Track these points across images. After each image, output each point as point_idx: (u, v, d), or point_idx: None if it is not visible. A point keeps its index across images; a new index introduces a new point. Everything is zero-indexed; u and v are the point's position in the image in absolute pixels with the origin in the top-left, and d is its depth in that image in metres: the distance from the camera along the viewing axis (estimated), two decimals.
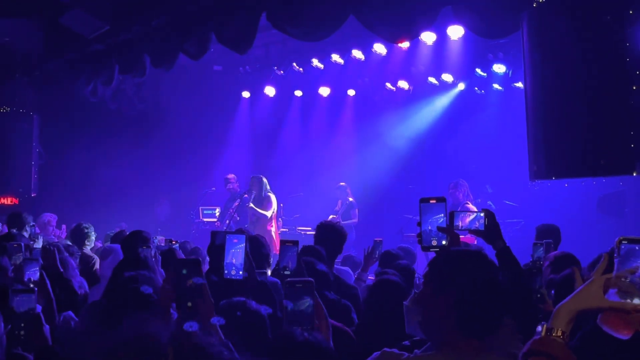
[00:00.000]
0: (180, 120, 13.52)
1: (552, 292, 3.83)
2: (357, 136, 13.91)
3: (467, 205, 9.41)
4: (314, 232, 5.46)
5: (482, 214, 3.04)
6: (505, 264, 2.93)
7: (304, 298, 2.48)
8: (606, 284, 1.71)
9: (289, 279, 2.57)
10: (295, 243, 3.40)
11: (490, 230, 3.03)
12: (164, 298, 2.54)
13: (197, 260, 2.48)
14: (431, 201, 2.95)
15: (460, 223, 3.03)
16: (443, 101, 12.81)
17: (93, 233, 7.08)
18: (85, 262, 6.29)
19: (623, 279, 1.69)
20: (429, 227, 2.92)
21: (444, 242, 2.89)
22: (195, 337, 1.57)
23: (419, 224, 2.95)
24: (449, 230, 2.92)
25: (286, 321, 2.43)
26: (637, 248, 1.72)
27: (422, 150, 12.95)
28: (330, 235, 5.11)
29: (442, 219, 2.92)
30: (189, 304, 2.36)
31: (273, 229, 10.59)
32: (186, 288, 2.39)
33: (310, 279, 2.59)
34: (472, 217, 3.05)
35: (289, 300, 2.47)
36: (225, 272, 3.15)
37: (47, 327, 2.84)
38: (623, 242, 1.74)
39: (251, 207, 10.34)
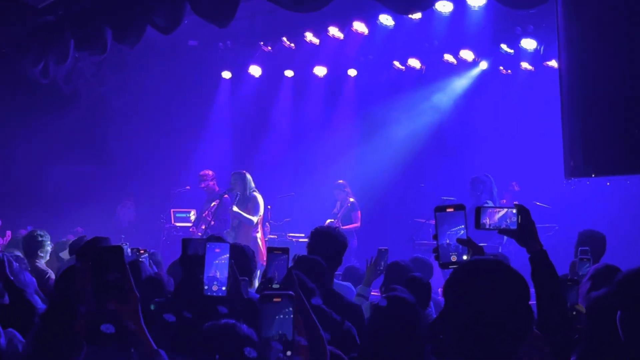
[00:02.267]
0: (149, 106, 13.51)
1: None
2: (359, 125, 13.94)
3: None
4: (307, 240, 5.45)
5: (514, 211, 3.01)
6: (541, 270, 2.91)
7: (283, 315, 2.49)
8: None
9: (265, 292, 2.57)
10: (285, 251, 3.42)
11: (524, 229, 2.98)
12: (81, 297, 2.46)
13: (118, 248, 2.46)
14: (448, 210, 2.93)
15: (488, 220, 2.99)
16: (461, 83, 12.83)
17: (49, 243, 7.02)
18: (39, 277, 6.24)
19: None
20: (447, 241, 2.91)
21: (465, 257, 2.88)
22: None
23: (435, 237, 2.94)
24: (471, 242, 2.91)
25: (261, 342, 2.44)
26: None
27: (436, 142, 12.98)
28: (327, 244, 5.09)
29: (462, 231, 2.91)
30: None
31: (259, 235, 10.56)
32: (105, 282, 2.39)
33: (290, 292, 2.59)
34: (501, 213, 3.01)
35: (265, 317, 2.48)
36: (206, 287, 3.15)
37: None
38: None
39: (235, 211, 10.32)
